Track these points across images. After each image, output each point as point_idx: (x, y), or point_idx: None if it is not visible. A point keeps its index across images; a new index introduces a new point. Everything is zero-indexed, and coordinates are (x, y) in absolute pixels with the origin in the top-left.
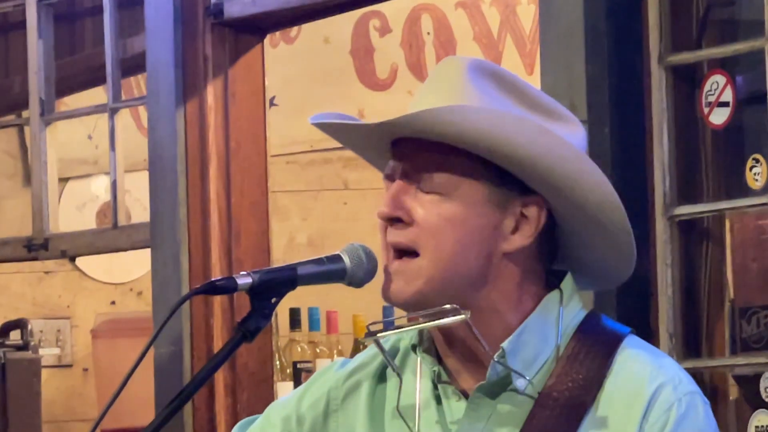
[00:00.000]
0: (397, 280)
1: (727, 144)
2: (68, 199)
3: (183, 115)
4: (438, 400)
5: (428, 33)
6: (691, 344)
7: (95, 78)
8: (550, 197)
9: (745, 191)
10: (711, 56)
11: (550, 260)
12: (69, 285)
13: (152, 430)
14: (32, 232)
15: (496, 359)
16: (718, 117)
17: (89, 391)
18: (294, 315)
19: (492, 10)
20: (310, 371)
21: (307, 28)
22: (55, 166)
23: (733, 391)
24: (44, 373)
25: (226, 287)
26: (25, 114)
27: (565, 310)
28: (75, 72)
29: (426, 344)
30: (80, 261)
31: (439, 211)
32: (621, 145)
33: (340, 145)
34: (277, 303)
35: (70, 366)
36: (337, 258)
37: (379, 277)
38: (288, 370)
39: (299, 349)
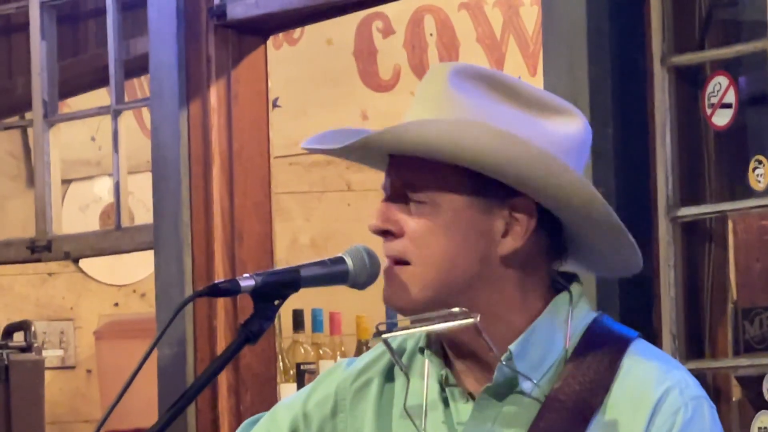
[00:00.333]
0: (394, 286)
1: (730, 145)
2: (71, 201)
3: (186, 116)
4: (445, 401)
5: (431, 34)
6: (694, 345)
7: (98, 79)
8: (534, 197)
9: (748, 192)
10: (714, 57)
11: (557, 259)
12: (72, 286)
13: None
14: (35, 233)
15: (503, 361)
16: (721, 118)
17: (92, 393)
18: (297, 316)
19: (495, 11)
20: (313, 373)
21: (310, 29)
22: (59, 167)
23: (736, 392)
24: (47, 374)
25: (229, 289)
26: (28, 115)
27: (573, 313)
28: (78, 73)
29: (434, 346)
30: (83, 262)
31: (426, 221)
32: (624, 147)
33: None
34: (280, 305)
35: (73, 367)
36: (340, 260)
37: (382, 279)
38: (291, 372)
39: (302, 351)
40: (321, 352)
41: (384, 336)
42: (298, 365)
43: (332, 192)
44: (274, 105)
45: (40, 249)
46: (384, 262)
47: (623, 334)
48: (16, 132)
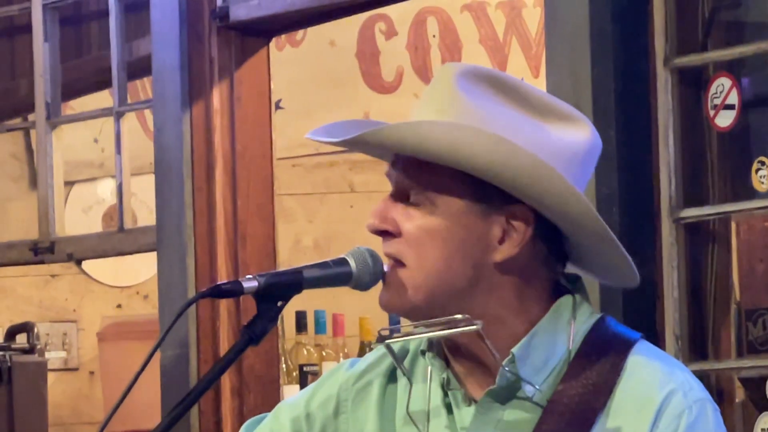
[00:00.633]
0: (389, 289)
1: (733, 146)
2: (74, 203)
3: (189, 118)
4: (448, 407)
5: (434, 36)
6: (697, 347)
7: (101, 81)
8: (530, 205)
9: (751, 194)
10: (717, 59)
11: (559, 264)
12: (75, 288)
13: None
14: (38, 235)
15: (505, 365)
16: (724, 119)
17: (95, 395)
18: (300, 318)
19: (498, 12)
20: (316, 374)
21: (313, 31)
22: (61, 169)
23: (740, 394)
24: (50, 376)
25: (232, 291)
26: (31, 117)
27: (576, 315)
28: (81, 75)
29: (435, 349)
30: (86, 264)
31: (422, 223)
32: (627, 148)
33: (346, 148)
34: (283, 306)
35: (76, 369)
36: (343, 261)
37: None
38: (294, 373)
39: (305, 352)
40: (324, 353)
41: (386, 342)
42: (301, 367)
43: (335, 193)
44: (277, 106)
45: (43, 251)
46: (386, 263)
47: (626, 336)
48: (18, 134)
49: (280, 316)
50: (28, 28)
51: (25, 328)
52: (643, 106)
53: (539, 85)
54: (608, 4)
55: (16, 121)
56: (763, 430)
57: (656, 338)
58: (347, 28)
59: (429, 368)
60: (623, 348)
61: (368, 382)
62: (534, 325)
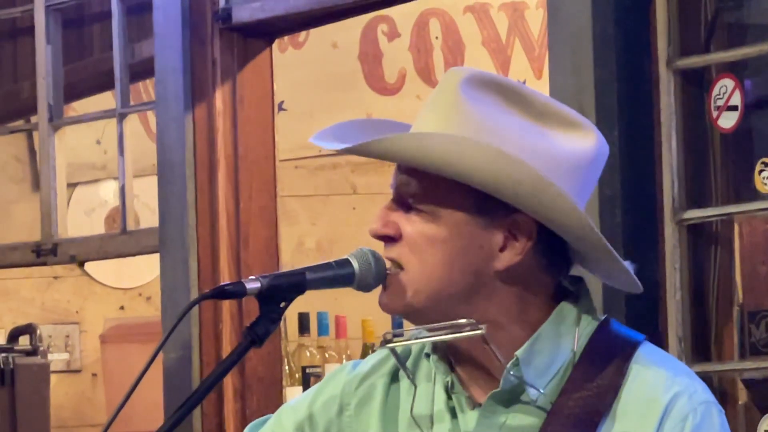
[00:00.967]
0: (389, 291)
1: (736, 148)
2: (77, 204)
3: (191, 119)
4: (451, 409)
5: (436, 37)
6: (700, 348)
7: (104, 83)
8: (531, 216)
9: (754, 195)
10: (719, 60)
11: (562, 269)
12: (78, 290)
13: None
14: (41, 237)
15: (509, 368)
16: (727, 121)
17: (98, 397)
18: (303, 320)
19: (500, 14)
20: (319, 376)
21: (316, 32)
22: (64, 171)
23: (742, 396)
24: (53, 378)
25: (235, 292)
26: (33, 119)
27: (580, 319)
28: (83, 77)
29: (439, 352)
30: (89, 266)
31: (423, 230)
32: (629, 149)
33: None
34: (285, 307)
35: (78, 371)
36: (345, 262)
37: None
38: (297, 375)
39: (308, 354)
40: (326, 355)
41: (390, 345)
42: (303, 368)
43: (338, 195)
44: (280, 108)
45: (46, 252)
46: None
47: (630, 338)
48: (21, 136)
49: (282, 318)
50: (30, 30)
51: (28, 329)
52: (646, 108)
53: (542, 86)
54: (611, 5)
55: (19, 123)
56: (766, 431)
57: (659, 340)
58: (350, 29)
59: (433, 371)
60: (627, 350)
61: (371, 384)
62: (535, 329)
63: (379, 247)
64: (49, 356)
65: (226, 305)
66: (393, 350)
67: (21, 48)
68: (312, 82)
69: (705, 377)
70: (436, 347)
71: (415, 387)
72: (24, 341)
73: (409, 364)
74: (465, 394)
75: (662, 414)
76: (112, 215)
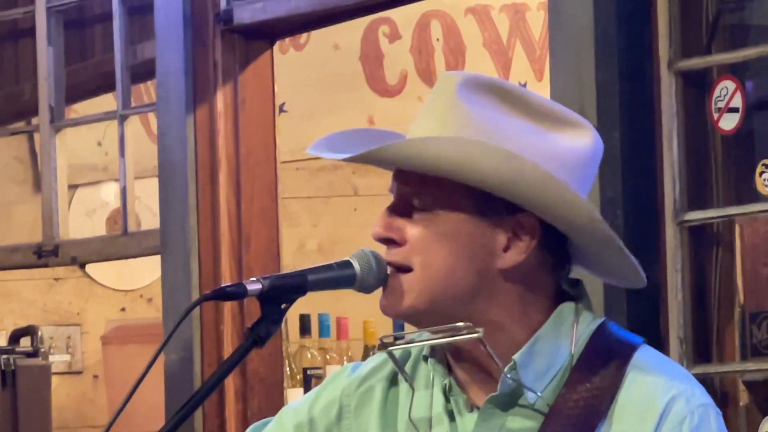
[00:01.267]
0: (391, 294)
1: (737, 149)
2: (78, 206)
3: (193, 121)
4: (450, 412)
5: (438, 39)
6: (701, 350)
7: (105, 84)
8: (537, 214)
9: (755, 197)
10: (721, 62)
11: (562, 269)
12: (79, 291)
13: None
14: (42, 238)
15: (506, 372)
16: (728, 122)
17: (99, 398)
18: (304, 321)
19: (501, 16)
20: (320, 377)
21: (317, 34)
22: (65, 172)
23: (744, 397)
24: (54, 379)
25: (236, 293)
26: (34, 121)
27: (578, 320)
28: (85, 79)
29: (438, 355)
30: (90, 267)
31: (428, 230)
32: (631, 151)
33: None
34: (287, 309)
35: (80, 373)
36: (347, 264)
37: None
38: (298, 377)
39: (309, 356)
40: (328, 357)
41: (389, 349)
42: (305, 370)
43: (339, 197)
44: (281, 110)
45: (47, 254)
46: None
47: (628, 341)
48: (22, 137)
49: (284, 320)
50: (31, 32)
51: (29, 331)
52: (647, 109)
53: (543, 88)
54: (612, 7)
55: (20, 125)
56: None
57: (660, 341)
58: (351, 31)
59: (431, 374)
60: (625, 353)
61: (370, 387)
62: (535, 331)
63: (380, 248)
64: (51, 358)
65: (228, 307)
66: (391, 354)
67: (22, 49)
68: (313, 83)
69: (706, 378)
70: (434, 350)
71: (413, 390)
72: (25, 343)
73: (407, 367)
74: (463, 397)
75: (660, 417)
76: (113, 217)
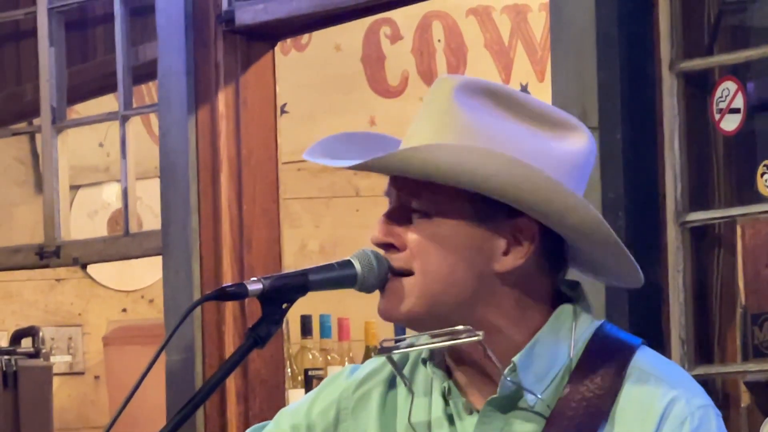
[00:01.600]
0: (390, 298)
1: (739, 150)
2: (80, 207)
3: (194, 122)
4: (449, 416)
5: (439, 40)
6: (703, 350)
7: (106, 85)
8: (536, 218)
9: (757, 198)
10: (722, 63)
11: (560, 271)
12: (80, 292)
13: None
14: (44, 239)
15: (506, 374)
16: (730, 123)
17: (101, 399)
18: (305, 322)
19: (503, 17)
20: (321, 378)
21: (318, 35)
22: (67, 173)
23: (745, 398)
24: (56, 380)
25: (237, 293)
26: (36, 121)
27: (577, 322)
28: (86, 79)
29: (437, 358)
30: (92, 268)
31: (427, 234)
32: (632, 152)
33: None
34: (287, 309)
35: (81, 373)
36: (348, 264)
37: None
38: (299, 378)
39: (311, 357)
40: (329, 358)
41: (389, 353)
42: (306, 371)
43: (340, 198)
44: (282, 111)
45: (49, 255)
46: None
47: (628, 343)
48: (24, 138)
49: (285, 321)
50: (33, 33)
51: (31, 332)
52: (649, 110)
53: (545, 89)
54: (614, 8)
55: (22, 126)
56: None
57: (662, 342)
58: (352, 32)
59: (430, 377)
60: (625, 355)
61: (369, 390)
62: (534, 334)
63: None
64: (52, 358)
65: (229, 307)
66: (390, 358)
67: (24, 50)
68: (315, 84)
69: (707, 379)
70: (433, 353)
71: (413, 394)
72: (27, 344)
73: (406, 370)
74: (462, 400)
75: (660, 418)
76: (114, 218)
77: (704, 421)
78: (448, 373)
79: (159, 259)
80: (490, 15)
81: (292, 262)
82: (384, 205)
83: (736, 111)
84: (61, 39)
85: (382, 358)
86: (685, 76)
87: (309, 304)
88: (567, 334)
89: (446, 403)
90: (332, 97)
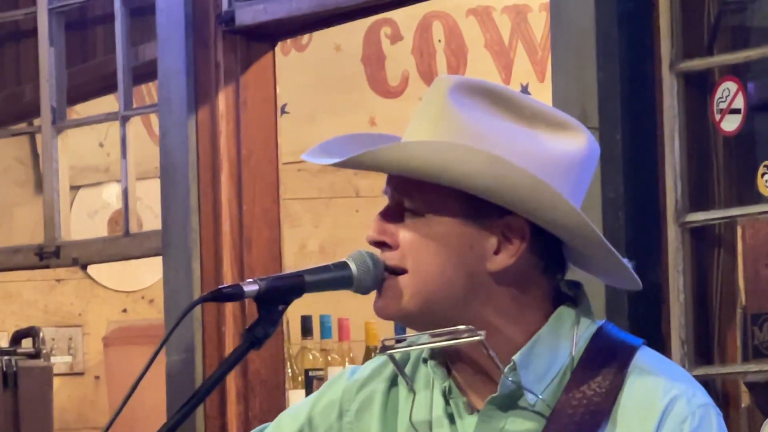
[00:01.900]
0: (385, 296)
1: (739, 151)
2: (80, 207)
3: (194, 122)
4: (450, 415)
5: (439, 40)
6: (703, 351)
7: (107, 86)
8: (526, 217)
9: (757, 198)
10: (722, 63)
11: (558, 271)
12: (81, 293)
13: None
14: (44, 239)
15: (506, 373)
16: (730, 124)
17: (101, 399)
18: (306, 323)
19: (503, 17)
20: (321, 379)
21: (319, 35)
22: (67, 173)
23: (745, 398)
24: (56, 381)
25: (233, 294)
26: (36, 122)
27: (578, 323)
28: (86, 80)
29: (437, 357)
30: (92, 269)
31: (419, 233)
32: (632, 152)
33: None
34: (284, 310)
35: (81, 374)
36: (343, 265)
37: None
38: (300, 378)
39: (311, 357)
40: (329, 358)
41: (390, 352)
42: (306, 371)
43: (340, 198)
44: (282, 111)
45: (49, 255)
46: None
47: (629, 343)
48: (24, 138)
49: (284, 321)
50: (33, 33)
51: (31, 332)
52: (649, 111)
53: (545, 89)
54: (614, 8)
55: (22, 126)
56: None
57: (662, 342)
58: (353, 32)
59: (431, 376)
60: (626, 355)
61: (371, 390)
62: (534, 333)
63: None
64: (52, 359)
65: (229, 308)
66: (391, 357)
67: (24, 50)
68: (315, 84)
69: (708, 380)
70: (434, 352)
71: (414, 393)
72: (27, 344)
73: (407, 369)
74: (463, 399)
75: (660, 417)
76: (114, 218)
77: (705, 419)
78: (449, 372)
79: (159, 259)
80: (490, 15)
81: (292, 263)
82: (384, 205)
83: (737, 111)
84: (61, 39)
85: (383, 359)
86: (685, 76)
87: (309, 304)
88: (568, 334)
89: (447, 402)
90: (332, 98)
